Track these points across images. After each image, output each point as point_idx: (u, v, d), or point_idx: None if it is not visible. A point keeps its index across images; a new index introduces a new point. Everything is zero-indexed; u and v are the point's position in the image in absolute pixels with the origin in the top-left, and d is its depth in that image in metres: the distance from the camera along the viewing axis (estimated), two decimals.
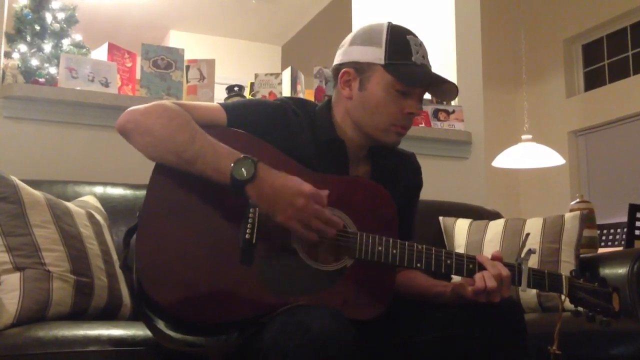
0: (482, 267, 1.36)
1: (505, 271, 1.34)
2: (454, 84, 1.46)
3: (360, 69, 1.44)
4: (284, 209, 1.25)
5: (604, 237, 3.78)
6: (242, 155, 1.26)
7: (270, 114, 1.44)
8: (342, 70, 1.46)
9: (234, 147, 1.30)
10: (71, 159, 2.34)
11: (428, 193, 1.83)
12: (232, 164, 1.25)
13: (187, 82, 2.63)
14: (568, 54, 6.03)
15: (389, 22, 1.46)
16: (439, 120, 3.02)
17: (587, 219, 2.44)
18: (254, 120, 1.40)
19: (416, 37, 1.46)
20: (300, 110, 1.48)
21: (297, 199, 1.25)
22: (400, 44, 1.43)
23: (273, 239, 1.29)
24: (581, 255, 2.34)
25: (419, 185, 1.64)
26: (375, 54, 1.42)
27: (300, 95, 2.78)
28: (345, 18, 3.77)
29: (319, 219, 1.28)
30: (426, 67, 1.45)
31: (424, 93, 1.47)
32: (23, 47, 3.53)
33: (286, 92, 2.75)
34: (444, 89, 1.49)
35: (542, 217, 2.39)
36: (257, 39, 7.01)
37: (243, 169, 1.25)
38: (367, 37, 1.45)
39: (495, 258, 1.38)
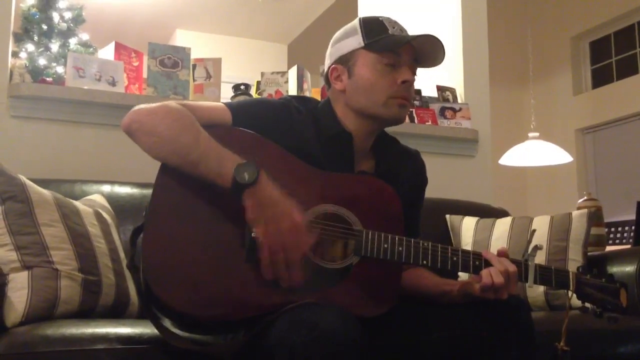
0: (488, 264, 1.36)
1: (511, 267, 1.34)
2: (435, 37, 1.45)
3: (344, 60, 1.48)
4: (266, 223, 1.24)
5: (611, 235, 3.77)
6: (245, 161, 1.26)
7: (274, 113, 1.44)
8: (330, 69, 1.51)
9: (240, 147, 1.30)
10: (78, 158, 2.35)
11: (435, 191, 1.83)
12: (234, 168, 1.25)
13: (194, 80, 2.64)
14: (575, 52, 6.00)
15: (360, 17, 1.51)
16: (445, 118, 3.02)
17: (595, 217, 2.44)
18: (258, 120, 1.41)
19: (389, 17, 1.50)
20: (303, 107, 1.49)
21: (284, 221, 1.24)
22: (374, 25, 1.47)
23: None
24: (589, 253, 2.33)
25: (423, 182, 1.64)
26: (354, 42, 1.47)
27: (307, 94, 2.78)
28: (351, 17, 3.75)
29: (285, 257, 1.24)
30: (405, 36, 1.47)
31: (414, 63, 1.48)
32: (30, 47, 3.54)
33: (292, 90, 2.75)
34: (430, 54, 1.48)
35: (549, 215, 2.39)
36: (263, 38, 7.01)
37: (245, 173, 1.24)
38: (343, 33, 1.51)
39: (501, 254, 1.38)
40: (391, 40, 1.45)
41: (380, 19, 1.49)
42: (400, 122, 1.51)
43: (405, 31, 1.50)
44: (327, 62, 1.53)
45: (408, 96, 1.48)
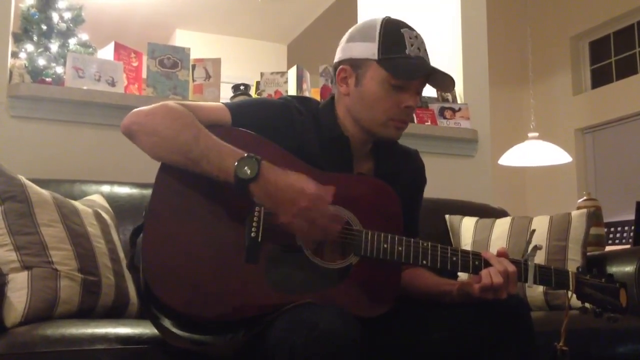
0: (488, 264, 1.36)
1: (511, 267, 1.34)
2: (449, 76, 1.45)
3: (355, 65, 1.45)
4: (288, 208, 1.25)
5: (611, 235, 3.77)
6: (245, 154, 1.26)
7: (274, 113, 1.44)
8: (339, 68, 1.47)
9: (239, 147, 1.30)
10: (78, 158, 2.35)
11: (434, 191, 1.83)
12: (235, 163, 1.25)
13: (193, 81, 2.64)
14: (575, 51, 6.00)
15: (385, 17, 1.46)
16: (445, 118, 3.02)
17: (594, 216, 2.44)
18: (258, 120, 1.41)
19: (412, 29, 1.45)
20: (303, 108, 1.48)
21: (301, 198, 1.25)
22: (393, 37, 1.42)
23: (278, 237, 1.29)
24: (588, 253, 2.33)
25: (422, 182, 1.64)
26: (369, 49, 1.42)
27: (306, 94, 2.78)
28: (350, 16, 3.76)
29: (322, 220, 1.27)
30: (421, 59, 1.43)
31: (422, 86, 1.47)
32: (30, 47, 3.53)
33: (292, 90, 2.75)
34: (441, 80, 1.47)
35: (548, 215, 2.39)
36: (262, 38, 7.01)
37: (247, 167, 1.25)
38: (362, 32, 1.46)
39: (500, 254, 1.38)
40: (406, 66, 1.40)
41: (402, 30, 1.43)
42: (394, 141, 1.51)
43: (424, 47, 1.45)
44: (338, 56, 1.49)
45: (407, 120, 1.47)
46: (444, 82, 1.48)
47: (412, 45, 1.42)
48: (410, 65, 1.41)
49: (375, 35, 1.43)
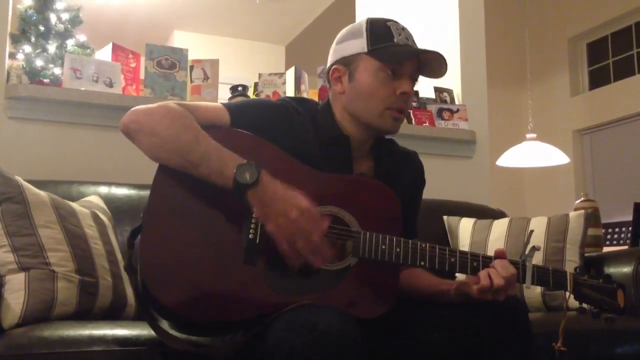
0: (486, 265, 1.36)
1: (511, 269, 1.34)
2: (440, 54, 1.45)
3: (347, 62, 1.46)
4: (276, 218, 1.24)
5: (609, 236, 3.77)
6: (245, 161, 1.26)
7: (273, 114, 1.44)
8: (332, 69, 1.49)
9: (238, 148, 1.30)
10: (76, 159, 2.35)
11: (432, 192, 1.83)
12: (235, 169, 1.25)
13: (191, 82, 2.64)
14: (573, 53, 6.01)
15: (368, 17, 1.49)
16: (443, 119, 3.02)
17: (592, 217, 2.44)
18: (257, 121, 1.41)
19: (397, 22, 1.48)
20: (302, 109, 1.49)
21: (292, 211, 1.24)
22: (380, 30, 1.45)
23: None
24: (586, 254, 2.33)
25: (422, 183, 1.64)
26: (358, 45, 1.45)
27: (304, 95, 2.78)
28: (349, 17, 3.75)
29: (306, 241, 1.25)
30: (410, 46, 1.45)
31: (416, 74, 1.47)
32: (27, 48, 3.53)
33: (290, 92, 2.75)
34: (433, 66, 1.48)
35: (546, 216, 2.39)
36: (261, 39, 7.01)
37: (247, 173, 1.24)
38: (349, 33, 1.49)
39: (498, 254, 1.38)
40: (395, 51, 1.43)
41: (388, 23, 1.46)
42: (393, 134, 1.51)
43: (412, 38, 1.48)
44: (330, 59, 1.52)
45: (404, 107, 1.47)
46: (437, 65, 1.47)
47: (399, 35, 1.45)
48: (400, 51, 1.43)
49: (362, 32, 1.46)
